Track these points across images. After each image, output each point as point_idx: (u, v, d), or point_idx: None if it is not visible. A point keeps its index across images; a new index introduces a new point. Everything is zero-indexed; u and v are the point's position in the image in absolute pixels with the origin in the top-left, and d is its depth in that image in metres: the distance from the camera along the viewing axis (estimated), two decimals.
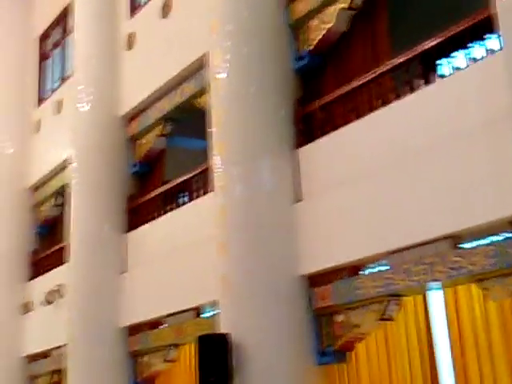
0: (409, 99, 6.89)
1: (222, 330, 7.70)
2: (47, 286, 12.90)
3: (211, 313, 9.10)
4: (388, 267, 6.97)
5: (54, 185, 14.08)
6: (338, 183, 7.43)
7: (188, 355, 10.18)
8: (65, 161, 13.00)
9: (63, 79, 14.46)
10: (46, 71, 15.54)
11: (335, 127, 7.75)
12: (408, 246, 6.64)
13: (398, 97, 7.08)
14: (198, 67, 9.83)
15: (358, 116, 7.50)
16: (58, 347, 12.16)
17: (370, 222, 6.99)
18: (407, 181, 6.66)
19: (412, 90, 6.93)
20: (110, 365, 10.62)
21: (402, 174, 6.74)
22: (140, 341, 10.53)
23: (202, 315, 9.37)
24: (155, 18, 11.08)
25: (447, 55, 6.76)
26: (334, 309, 7.45)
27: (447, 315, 7.02)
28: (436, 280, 6.49)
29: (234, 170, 8.03)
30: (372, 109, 7.35)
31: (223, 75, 8.34)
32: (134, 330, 10.73)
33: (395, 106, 7.04)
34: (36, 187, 14.81)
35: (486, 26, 6.09)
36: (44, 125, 14.84)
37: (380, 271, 7.07)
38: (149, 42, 11.27)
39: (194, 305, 9.32)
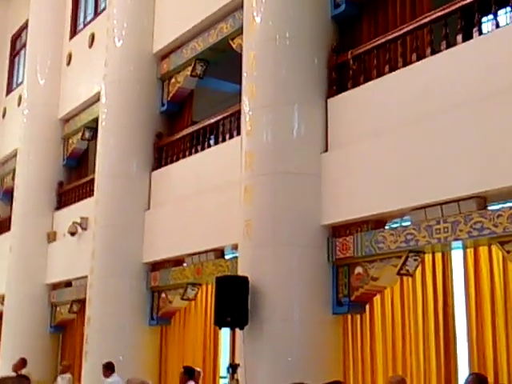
0: (446, 54, 6.76)
1: (241, 273, 7.81)
2: (72, 218, 13.12)
3: (232, 255, 9.23)
4: (410, 223, 6.98)
5: (84, 118, 14.17)
6: (367, 135, 7.38)
7: (206, 295, 10.37)
8: (95, 95, 13.04)
9: (97, 13, 14.37)
10: (79, 4, 15.43)
11: (368, 79, 7.66)
12: (432, 203, 6.63)
13: (434, 51, 6.95)
14: (234, 8, 9.70)
15: (392, 69, 7.39)
16: (80, 278, 12.45)
17: (396, 176, 6.96)
18: (437, 137, 6.59)
19: (449, 45, 6.79)
20: (130, 298, 10.86)
21: (432, 130, 6.67)
22: (161, 277, 10.74)
23: (222, 257, 9.51)
24: None
25: (488, 12, 6.59)
26: (354, 260, 7.52)
27: (466, 275, 7.03)
28: (458, 239, 6.49)
29: (263, 115, 7.99)
30: (407, 62, 7.24)
31: (258, 18, 8.23)
32: (156, 266, 10.93)
33: (431, 60, 6.92)
34: (66, 119, 14.90)
35: None
36: (75, 58, 14.83)
37: (402, 226, 7.08)
38: None
39: (215, 246, 9.45)
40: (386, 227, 7.33)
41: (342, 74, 8.05)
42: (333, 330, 7.68)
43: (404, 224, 7.13)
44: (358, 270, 7.48)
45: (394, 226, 7.27)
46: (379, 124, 7.28)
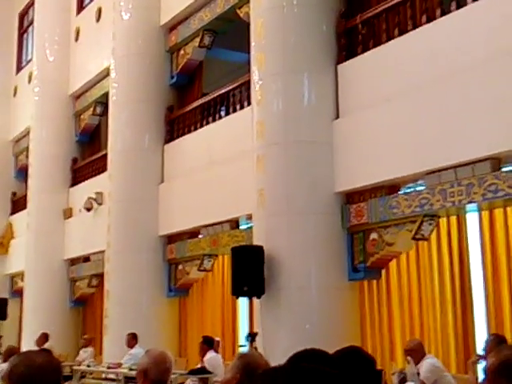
0: (456, 15, 6.67)
1: (256, 243, 7.85)
2: (87, 194, 13.20)
3: (246, 225, 9.26)
4: (424, 187, 6.96)
5: (95, 94, 14.16)
6: (378, 100, 7.33)
7: (222, 265, 10.44)
8: (104, 70, 13.02)
9: None
10: None
11: (377, 43, 7.58)
12: (446, 166, 6.60)
13: (444, 12, 6.85)
14: None
15: (402, 32, 7.30)
16: (98, 252, 12.57)
17: (409, 141, 6.93)
18: (449, 100, 6.54)
19: (459, 5, 6.69)
20: (147, 271, 10.96)
21: (443, 93, 6.61)
22: (177, 249, 10.82)
23: (237, 227, 9.55)
24: None
25: None
26: (369, 226, 7.52)
27: (481, 237, 7.02)
28: (472, 202, 6.47)
29: (273, 83, 7.95)
30: (416, 25, 7.15)
31: None
32: (172, 238, 11.01)
33: (441, 21, 6.83)
34: (77, 95, 14.90)
35: None
36: (83, 33, 14.78)
37: (416, 191, 7.06)
38: None
39: (230, 217, 9.48)
40: (400, 192, 7.32)
41: (351, 40, 7.97)
42: (349, 297, 7.73)
43: (418, 188, 7.11)
44: (373, 235, 7.49)
45: (408, 190, 7.26)
46: (390, 88, 7.22)
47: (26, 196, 15.79)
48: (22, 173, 17.44)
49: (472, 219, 7.17)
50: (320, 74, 7.86)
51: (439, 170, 6.69)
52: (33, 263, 14.59)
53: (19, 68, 18.80)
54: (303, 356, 2.32)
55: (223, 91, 10.17)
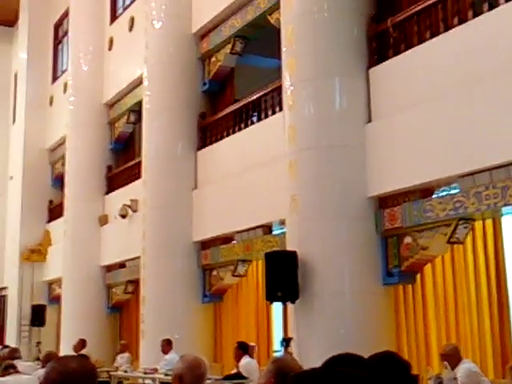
0: (488, 16, 6.61)
1: (290, 248, 7.85)
2: (122, 201, 13.35)
3: (279, 231, 9.27)
4: (459, 190, 6.89)
5: (128, 102, 14.34)
6: (411, 103, 7.29)
7: (256, 271, 10.46)
8: (137, 78, 13.17)
9: None
10: None
11: (409, 46, 7.54)
12: (480, 169, 6.53)
13: (476, 14, 6.79)
14: None
15: (433, 34, 7.25)
16: (133, 259, 12.70)
17: (442, 143, 6.87)
18: (483, 101, 6.47)
19: (491, 6, 6.63)
20: (182, 277, 11.04)
21: (477, 94, 6.55)
22: (211, 255, 10.88)
23: (270, 233, 9.57)
24: None
25: None
26: (403, 230, 7.47)
27: None
28: (508, 204, 6.39)
29: (304, 89, 7.96)
30: (448, 26, 7.09)
31: None
32: (206, 244, 11.07)
33: (473, 23, 6.76)
34: (111, 104, 15.10)
35: None
36: (117, 42, 14.98)
37: (450, 194, 7.00)
38: None
39: (263, 222, 9.51)
40: (434, 196, 7.26)
41: (382, 43, 7.94)
42: (384, 301, 7.68)
43: (452, 192, 7.04)
44: (407, 239, 7.44)
45: (442, 194, 7.20)
46: (423, 91, 7.17)
47: (62, 204, 16.04)
48: (59, 181, 17.74)
49: (508, 222, 7.08)
50: (351, 78, 7.85)
51: (473, 173, 6.62)
52: (70, 270, 14.79)
53: (55, 78, 19.12)
54: (339, 360, 2.31)
55: (255, 97, 10.22)
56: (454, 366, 6.32)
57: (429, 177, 7.07)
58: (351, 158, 7.72)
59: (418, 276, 7.73)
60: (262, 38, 10.64)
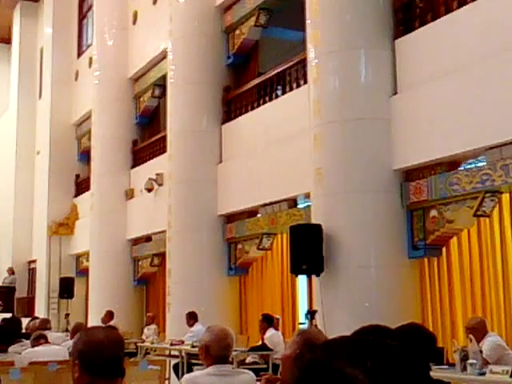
0: None
1: (315, 221, 7.86)
2: (147, 175, 13.43)
3: (304, 204, 9.28)
4: (485, 163, 6.82)
5: (153, 76, 14.35)
6: (437, 75, 7.20)
7: (281, 244, 10.50)
8: (162, 52, 13.16)
9: None
10: None
11: (436, 16, 7.42)
12: (507, 141, 6.45)
13: None
14: None
15: (461, 4, 7.13)
16: (159, 232, 12.81)
17: (468, 116, 6.79)
18: (509, 72, 6.36)
19: None
20: (207, 250, 11.12)
21: (505, 66, 6.44)
22: (236, 228, 10.93)
23: (295, 206, 9.58)
24: None
25: None
26: (428, 204, 7.43)
27: None
28: None
29: (329, 61, 7.90)
30: None
31: None
32: (231, 218, 11.12)
33: None
34: (136, 78, 15.13)
35: None
36: (141, 16, 14.94)
37: (477, 167, 6.94)
38: None
39: (287, 196, 9.51)
40: (460, 168, 7.19)
41: (408, 14, 7.83)
42: (409, 274, 7.67)
43: (479, 164, 6.98)
44: (433, 213, 7.40)
45: (469, 166, 7.13)
46: (449, 63, 7.07)
47: (88, 178, 16.19)
48: (85, 155, 17.88)
49: None
50: (377, 49, 7.77)
51: (500, 146, 6.54)
52: (97, 243, 14.98)
53: (80, 53, 19.18)
54: (368, 330, 2.33)
55: (279, 70, 10.16)
56: (479, 339, 6.30)
57: (455, 149, 7.00)
58: (376, 131, 7.66)
59: (444, 249, 7.70)
60: (286, 10, 10.54)
